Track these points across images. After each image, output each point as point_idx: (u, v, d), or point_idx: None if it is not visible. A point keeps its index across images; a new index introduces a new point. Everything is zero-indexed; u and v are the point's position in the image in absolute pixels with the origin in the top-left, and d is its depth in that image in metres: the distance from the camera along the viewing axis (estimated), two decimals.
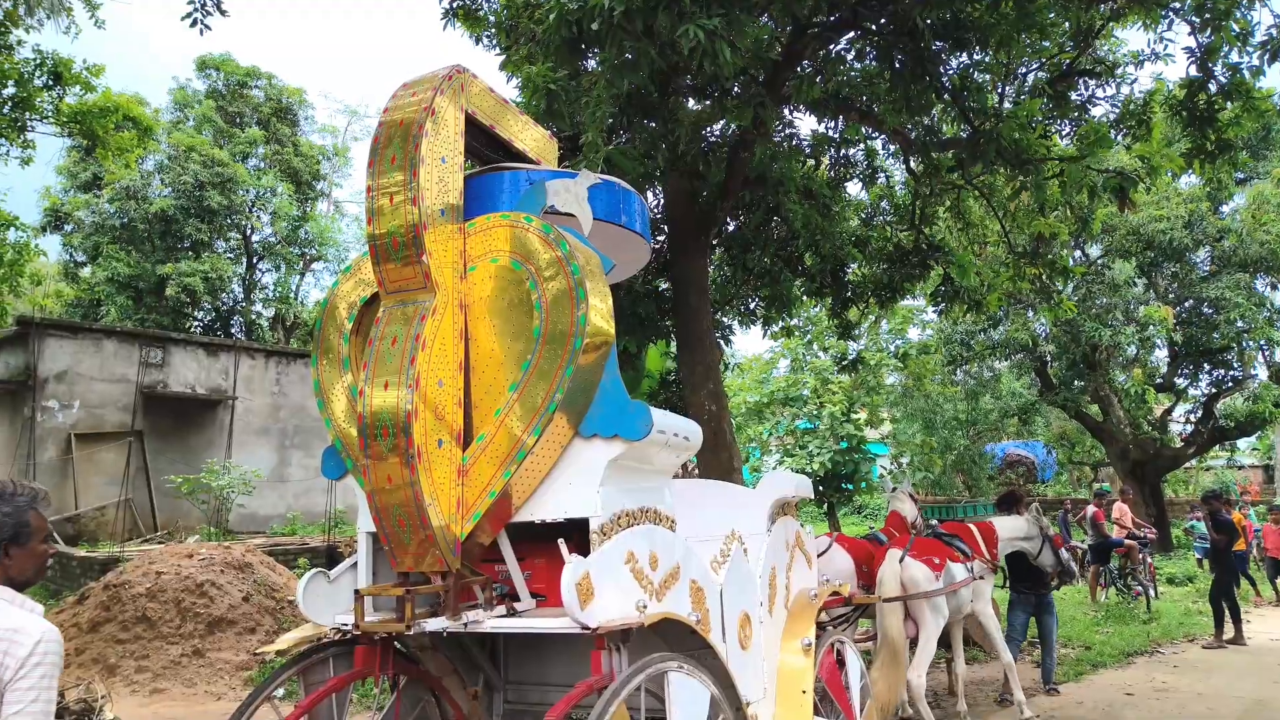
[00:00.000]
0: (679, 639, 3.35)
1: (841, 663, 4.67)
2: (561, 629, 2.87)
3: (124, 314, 23.31)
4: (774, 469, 28.26)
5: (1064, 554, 7.54)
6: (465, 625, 3.01)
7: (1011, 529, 7.28)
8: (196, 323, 26.13)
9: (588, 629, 2.77)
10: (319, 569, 3.40)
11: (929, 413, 28.09)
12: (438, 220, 3.07)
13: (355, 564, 3.47)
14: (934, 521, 7.30)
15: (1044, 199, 9.18)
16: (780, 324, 12.67)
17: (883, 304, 11.76)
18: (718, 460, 9.21)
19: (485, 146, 3.61)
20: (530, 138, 3.80)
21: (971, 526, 7.06)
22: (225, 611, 9.39)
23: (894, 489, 7.57)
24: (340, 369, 3.38)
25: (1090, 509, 13.36)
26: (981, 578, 6.67)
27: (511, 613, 3.16)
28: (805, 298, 12.53)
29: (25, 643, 2.18)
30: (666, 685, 2.77)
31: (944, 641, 7.06)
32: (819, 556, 6.45)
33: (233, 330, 26.53)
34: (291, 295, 28.02)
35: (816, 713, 4.32)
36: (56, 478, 15.27)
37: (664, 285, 11.07)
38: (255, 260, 27.62)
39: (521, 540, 3.31)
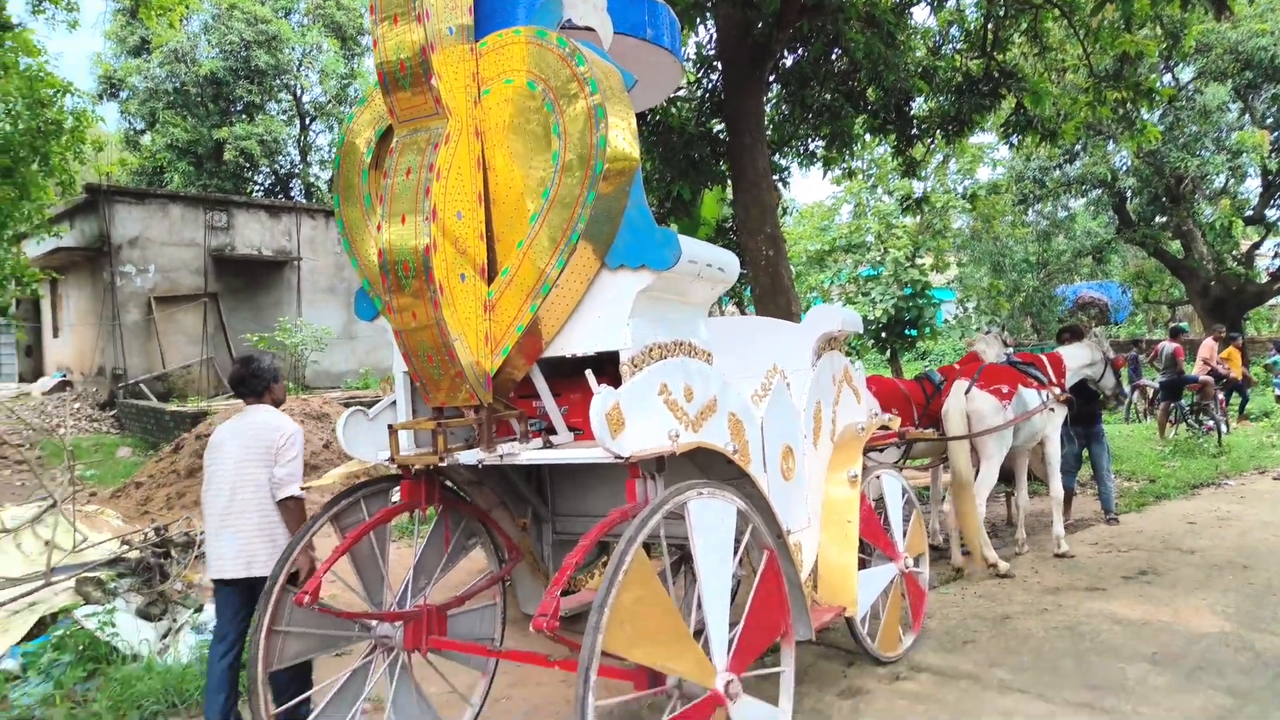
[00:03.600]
0: (717, 470, 3.36)
1: (880, 498, 4.68)
2: (594, 459, 2.89)
3: (187, 180, 23.65)
4: None
5: (1119, 374, 7.42)
6: (501, 457, 3.05)
7: (1077, 357, 7.12)
8: (257, 187, 26.40)
9: (620, 458, 2.78)
10: (358, 408, 3.46)
11: (998, 255, 27.13)
12: (446, 40, 2.89)
13: (394, 402, 3.52)
14: (1009, 351, 7.13)
15: (1131, 12, 8.37)
16: (841, 165, 12.14)
17: (950, 139, 11.10)
18: (776, 306, 9.07)
19: None
20: None
21: (1043, 357, 6.91)
22: (308, 457, 9.92)
23: (988, 331, 7.40)
24: (363, 207, 3.31)
25: (1169, 345, 12.94)
26: (1053, 409, 6.56)
27: (548, 445, 3.19)
28: (868, 135, 11.94)
29: (286, 430, 3.89)
30: (686, 513, 2.78)
31: (1007, 476, 7.04)
32: None
33: (292, 193, 26.75)
34: None
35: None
36: (142, 338, 15.99)
37: (718, 127, 10.62)
38: (308, 121, 27.45)
39: (559, 376, 3.30)
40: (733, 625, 2.98)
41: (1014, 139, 10.58)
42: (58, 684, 4.42)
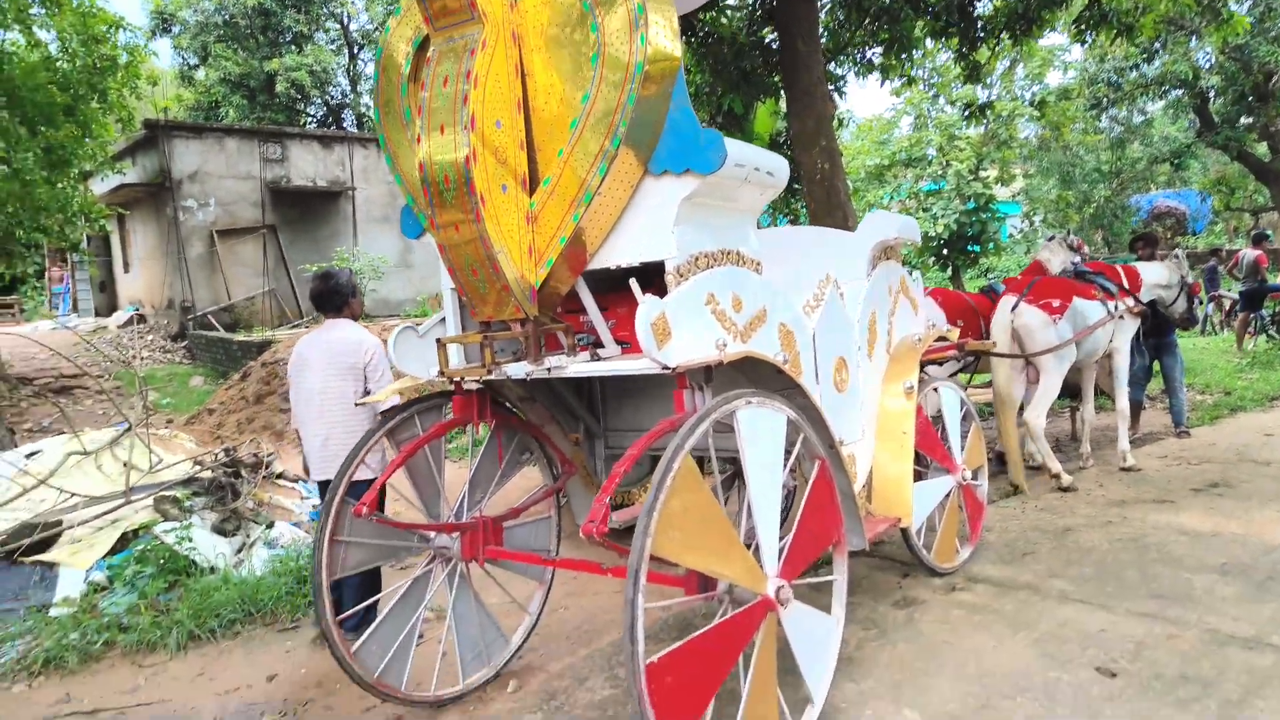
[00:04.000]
0: (767, 381, 3.30)
1: (938, 411, 4.59)
2: (641, 370, 2.86)
3: (241, 113, 23.85)
4: None
5: (1193, 300, 7.12)
6: (549, 370, 3.04)
7: (1154, 276, 6.81)
8: (309, 118, 26.51)
9: (667, 369, 2.75)
10: (407, 325, 3.48)
11: (1067, 165, 26.00)
12: None
13: (444, 319, 3.53)
14: (1076, 260, 6.82)
15: None
16: (901, 74, 11.60)
17: (1017, 39, 10.51)
18: (832, 222, 8.85)
19: None
20: None
21: (1117, 268, 6.61)
22: None
23: (1051, 237, 7.10)
24: (403, 122, 3.26)
25: (1251, 253, 12.33)
26: (1122, 318, 6.30)
27: (595, 358, 3.17)
28: (929, 41, 11.36)
29: (367, 345, 4.21)
30: (735, 422, 2.74)
31: (1073, 390, 6.85)
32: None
33: (344, 123, 26.82)
34: None
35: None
36: (206, 271, 16.40)
37: (770, 36, 10.22)
38: (356, 50, 27.32)
39: (606, 289, 3.25)
40: (785, 534, 2.98)
41: (1088, 37, 9.97)
42: (141, 594, 4.67)
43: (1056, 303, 5.93)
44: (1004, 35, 10.17)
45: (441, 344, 3.15)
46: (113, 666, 4.23)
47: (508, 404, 3.86)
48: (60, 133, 11.70)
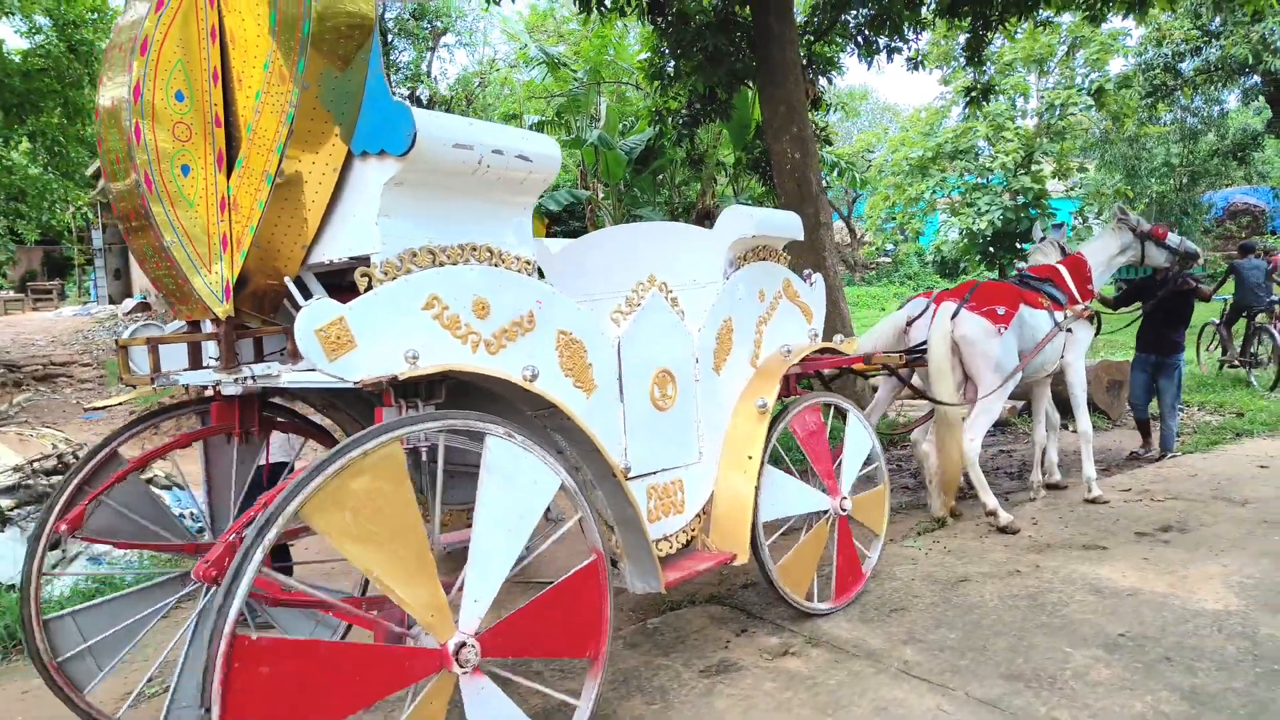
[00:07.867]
0: (527, 397, 2.85)
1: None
2: (325, 383, 2.44)
3: None
4: (939, 231, 26.08)
5: (1174, 239, 6.21)
6: (254, 379, 2.65)
7: (1102, 250, 6.12)
8: None
9: (355, 384, 2.34)
10: (149, 321, 3.13)
11: (1133, 159, 24.50)
12: None
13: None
14: (1021, 265, 6.15)
15: None
16: (906, 56, 10.78)
17: (1024, 15, 9.57)
18: (804, 217, 8.25)
19: None
20: None
21: (1058, 266, 5.88)
22: None
23: (1042, 238, 6.38)
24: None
25: None
26: (1069, 330, 5.58)
27: None
28: (936, 19, 10.55)
29: None
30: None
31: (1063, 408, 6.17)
32: (916, 320, 5.63)
33: None
34: (424, 73, 27.71)
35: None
36: None
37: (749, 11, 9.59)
38: (388, 39, 27.30)
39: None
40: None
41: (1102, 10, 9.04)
42: None
43: (1002, 310, 5.27)
44: (1014, 15, 9.36)
45: (120, 345, 2.78)
46: None
47: (316, 411, 3.50)
48: (43, 120, 11.66)
